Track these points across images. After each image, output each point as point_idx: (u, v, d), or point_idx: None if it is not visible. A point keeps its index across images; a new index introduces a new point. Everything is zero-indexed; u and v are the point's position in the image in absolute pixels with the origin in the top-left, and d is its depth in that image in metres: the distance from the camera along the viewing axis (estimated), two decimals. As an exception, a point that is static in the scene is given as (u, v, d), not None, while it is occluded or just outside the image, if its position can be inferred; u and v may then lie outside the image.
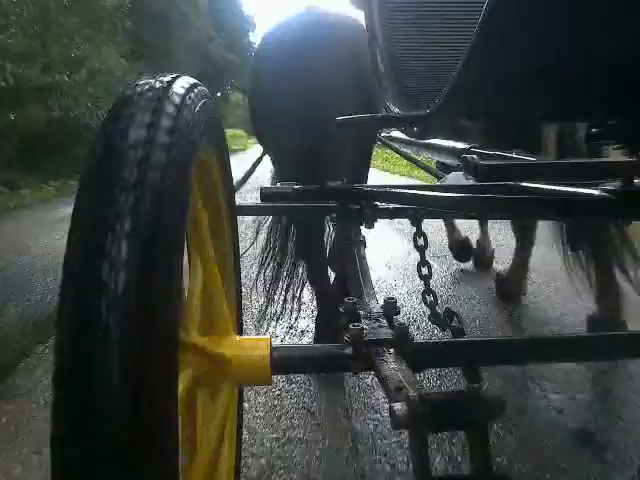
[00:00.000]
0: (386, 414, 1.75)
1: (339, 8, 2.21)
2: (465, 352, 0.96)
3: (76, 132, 11.41)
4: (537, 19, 0.58)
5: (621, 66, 0.65)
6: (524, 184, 1.25)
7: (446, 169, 3.10)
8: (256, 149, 2.68)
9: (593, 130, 1.05)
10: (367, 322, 0.99)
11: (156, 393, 0.56)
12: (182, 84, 0.77)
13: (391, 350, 0.92)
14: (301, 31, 1.93)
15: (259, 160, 2.90)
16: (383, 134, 2.86)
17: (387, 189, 1.33)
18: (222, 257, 1.16)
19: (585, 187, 1.09)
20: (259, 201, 1.49)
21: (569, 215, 1.30)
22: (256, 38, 42.84)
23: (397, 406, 0.66)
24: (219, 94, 37.38)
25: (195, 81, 0.84)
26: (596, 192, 0.99)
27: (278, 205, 1.47)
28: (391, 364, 0.86)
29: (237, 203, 1.26)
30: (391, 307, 1.04)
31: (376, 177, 2.53)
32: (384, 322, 1.00)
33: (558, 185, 1.18)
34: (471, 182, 1.40)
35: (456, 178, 1.53)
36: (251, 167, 2.87)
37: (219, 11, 32.87)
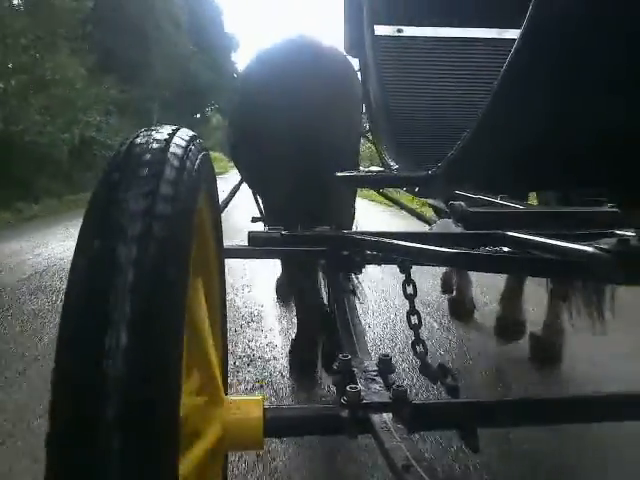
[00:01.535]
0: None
1: (322, 36, 2.19)
2: (465, 414, 0.94)
3: (19, 149, 9.99)
4: (552, 88, 0.58)
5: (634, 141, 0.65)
6: (514, 234, 1.25)
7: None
8: (237, 173, 2.59)
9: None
10: (363, 382, 0.97)
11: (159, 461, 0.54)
12: (182, 138, 0.76)
13: (390, 414, 0.89)
14: (289, 60, 1.86)
15: (237, 187, 2.84)
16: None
17: (376, 238, 1.31)
18: (210, 308, 1.13)
19: (578, 241, 1.08)
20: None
21: (566, 276, 1.30)
22: (238, 58, 41.57)
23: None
24: (198, 115, 35.89)
25: (193, 134, 0.82)
26: (593, 250, 0.98)
27: (266, 248, 1.45)
28: (391, 431, 0.83)
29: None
30: (386, 365, 1.01)
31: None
32: (380, 382, 0.98)
33: (549, 237, 1.18)
34: (460, 230, 1.40)
35: (445, 225, 1.53)
36: (229, 194, 2.82)
37: (200, 28, 31.03)
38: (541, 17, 0.48)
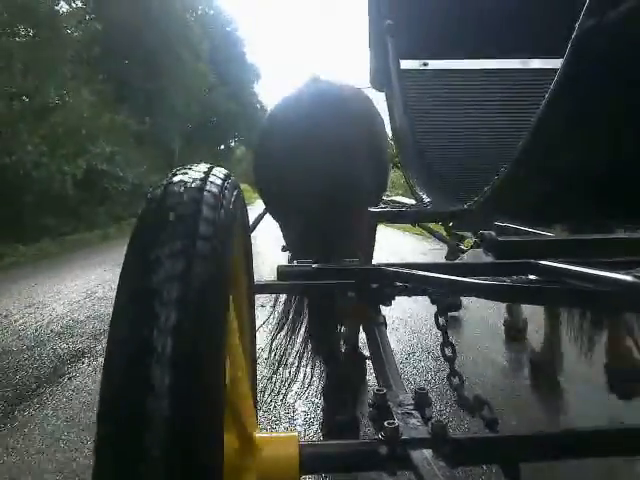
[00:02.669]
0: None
1: (344, 79, 2.26)
2: (507, 449, 0.91)
3: (13, 184, 8.84)
4: (595, 121, 0.57)
5: None
6: (548, 263, 1.22)
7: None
8: (262, 203, 2.61)
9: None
10: (400, 417, 0.94)
11: None
12: (218, 176, 0.77)
13: (429, 450, 0.87)
14: (313, 103, 1.94)
15: (261, 216, 2.89)
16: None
17: (408, 270, 1.30)
18: (242, 342, 1.12)
19: (614, 269, 1.05)
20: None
21: (604, 307, 1.26)
22: (260, 89, 41.00)
23: None
24: (222, 147, 35.47)
25: (227, 172, 0.83)
26: (632, 279, 0.95)
27: (295, 283, 1.45)
28: (433, 468, 0.81)
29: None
30: (423, 399, 0.99)
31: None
32: (418, 416, 0.95)
33: (583, 266, 1.15)
34: (490, 259, 1.38)
35: (476, 255, 1.51)
36: (253, 223, 2.86)
37: (222, 59, 30.31)
38: (583, 49, 0.48)
